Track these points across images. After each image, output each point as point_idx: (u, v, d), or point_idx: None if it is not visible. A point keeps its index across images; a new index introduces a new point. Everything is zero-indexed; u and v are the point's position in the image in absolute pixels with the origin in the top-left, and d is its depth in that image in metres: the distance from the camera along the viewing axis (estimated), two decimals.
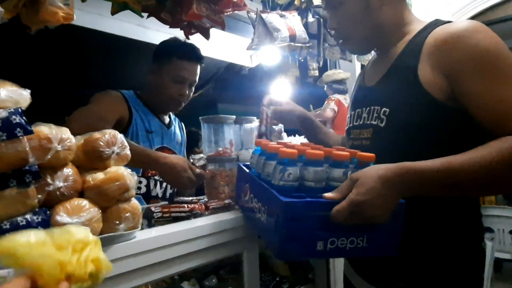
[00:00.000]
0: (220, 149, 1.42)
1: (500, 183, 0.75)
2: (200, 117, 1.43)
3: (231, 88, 3.93)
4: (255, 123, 1.53)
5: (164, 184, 1.52)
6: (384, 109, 0.89)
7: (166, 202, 1.42)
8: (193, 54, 1.46)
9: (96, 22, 2.22)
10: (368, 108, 0.95)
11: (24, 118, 0.61)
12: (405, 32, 0.93)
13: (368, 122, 0.94)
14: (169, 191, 1.56)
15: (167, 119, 1.59)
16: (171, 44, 1.47)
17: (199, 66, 1.49)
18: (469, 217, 0.90)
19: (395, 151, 0.86)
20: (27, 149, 0.60)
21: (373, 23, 0.93)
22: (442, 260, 0.87)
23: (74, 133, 0.78)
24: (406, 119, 0.85)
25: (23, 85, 0.69)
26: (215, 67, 3.61)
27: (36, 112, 0.75)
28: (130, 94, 1.48)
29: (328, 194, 0.75)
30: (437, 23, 0.88)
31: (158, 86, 1.46)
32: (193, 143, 3.01)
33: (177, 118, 1.71)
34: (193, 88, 1.52)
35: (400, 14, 0.95)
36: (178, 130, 1.67)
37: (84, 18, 2.09)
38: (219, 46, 2.77)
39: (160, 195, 1.52)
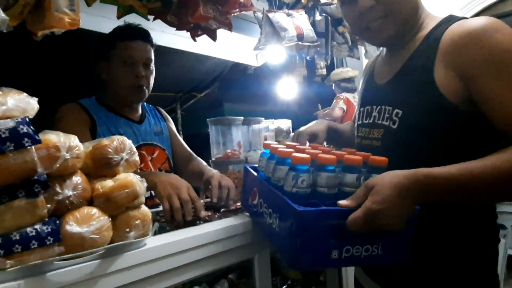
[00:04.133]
0: (229, 151, 1.41)
1: None
2: (207, 119, 1.42)
3: (236, 88, 3.93)
4: (263, 124, 1.52)
5: None
6: (396, 110, 0.87)
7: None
8: (134, 31, 1.36)
9: (100, 25, 2.22)
10: (379, 107, 0.93)
11: (31, 127, 0.60)
12: (419, 27, 0.90)
13: (380, 122, 0.92)
14: None
15: (137, 114, 1.48)
16: (111, 33, 1.39)
17: (148, 45, 1.38)
18: (485, 219, 0.87)
19: (406, 154, 0.84)
20: (35, 159, 0.59)
21: (413, 6, 0.87)
22: (457, 263, 0.85)
23: None
24: (419, 122, 0.82)
25: (27, 89, 0.68)
26: (220, 66, 3.61)
27: (42, 117, 0.74)
28: (91, 101, 1.41)
29: (342, 202, 0.73)
30: (451, 19, 0.85)
31: (112, 79, 1.37)
32: None
33: (151, 106, 1.61)
34: (152, 70, 1.40)
35: (421, 5, 0.90)
36: (153, 119, 1.55)
37: (88, 20, 2.09)
38: (224, 46, 2.76)
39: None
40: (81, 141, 0.75)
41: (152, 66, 1.41)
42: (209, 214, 1.05)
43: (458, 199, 0.77)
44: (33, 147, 0.60)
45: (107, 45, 1.37)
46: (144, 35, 1.37)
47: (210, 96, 4.02)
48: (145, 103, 1.55)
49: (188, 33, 1.38)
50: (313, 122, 1.16)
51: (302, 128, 1.13)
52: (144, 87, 1.39)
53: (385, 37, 0.91)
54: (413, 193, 0.71)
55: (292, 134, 1.59)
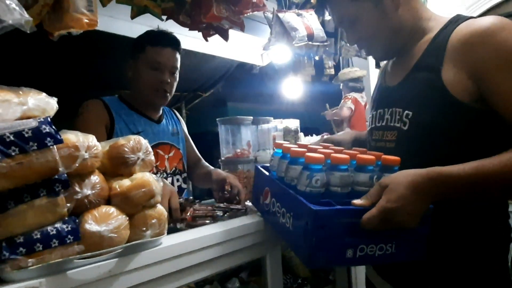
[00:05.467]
0: (238, 150, 1.41)
1: None
2: (217, 119, 1.42)
3: (241, 87, 3.93)
4: (272, 124, 1.52)
5: (170, 180, 1.48)
6: (406, 112, 0.88)
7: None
8: (166, 39, 1.39)
9: (108, 25, 2.22)
10: (390, 110, 0.94)
11: (53, 127, 0.61)
12: (425, 29, 0.91)
13: (392, 124, 0.93)
14: (176, 184, 1.50)
15: (157, 115, 1.52)
16: (143, 36, 1.42)
17: (177, 53, 1.42)
18: (497, 218, 0.88)
19: (419, 154, 0.85)
20: (57, 158, 0.60)
21: (393, 27, 0.92)
22: (469, 261, 0.85)
23: None
24: (430, 123, 0.83)
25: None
26: (225, 66, 3.61)
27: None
28: (113, 99, 1.45)
29: (357, 201, 0.74)
30: (459, 19, 0.85)
31: (138, 80, 1.40)
32: None
33: (167, 108, 1.64)
34: (176, 77, 1.44)
35: (416, 12, 0.92)
36: (170, 121, 1.59)
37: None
38: (230, 45, 2.75)
39: None
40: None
41: (177, 73, 1.44)
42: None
43: (472, 197, 0.78)
44: (55, 146, 0.60)
45: (138, 47, 1.40)
46: (175, 44, 1.40)
47: (215, 95, 4.03)
48: (164, 107, 1.59)
49: (194, 33, 1.39)
50: (342, 132, 1.21)
51: (329, 136, 1.18)
52: (168, 93, 1.42)
53: (377, 57, 1.06)
54: (427, 191, 0.72)
55: (301, 133, 1.60)
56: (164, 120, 1.55)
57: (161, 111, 1.55)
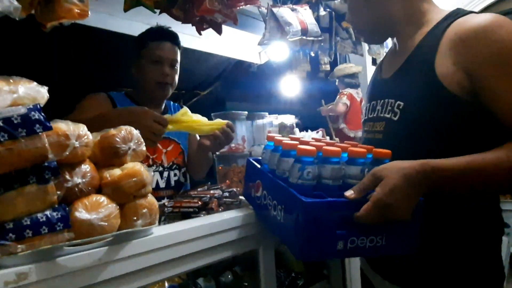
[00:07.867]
0: (233, 145, 1.42)
1: None
2: (212, 114, 1.43)
3: (239, 86, 3.93)
4: (267, 119, 1.53)
5: (166, 174, 1.51)
6: (398, 102, 0.88)
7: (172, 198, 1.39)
8: (164, 33, 1.46)
9: (106, 22, 2.23)
10: (382, 101, 0.94)
11: (43, 114, 0.61)
12: (423, 22, 0.91)
13: (382, 115, 0.93)
14: (173, 178, 1.53)
15: (159, 110, 1.55)
16: (145, 33, 1.49)
17: (176, 47, 1.48)
18: (490, 212, 0.88)
19: (407, 145, 0.85)
20: (46, 145, 0.60)
21: (377, 16, 0.93)
22: (462, 256, 0.85)
23: None
24: (420, 114, 0.83)
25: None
26: (223, 64, 3.61)
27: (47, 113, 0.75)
28: (118, 94, 1.48)
29: (348, 192, 0.74)
30: (458, 13, 0.85)
31: (140, 75, 1.46)
32: None
33: (177, 104, 1.68)
34: (177, 70, 1.50)
35: (413, 3, 0.92)
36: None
37: (94, 17, 2.10)
38: (227, 43, 2.76)
39: (162, 185, 1.49)
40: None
41: (177, 66, 1.50)
42: None
43: (466, 191, 0.78)
44: (44, 133, 0.61)
45: (140, 44, 1.46)
46: (173, 38, 1.46)
47: (213, 94, 4.03)
48: (171, 102, 1.64)
49: (192, 30, 1.40)
50: None
51: None
52: (169, 85, 1.47)
53: (365, 42, 1.12)
54: (420, 183, 0.72)
55: (296, 129, 1.60)
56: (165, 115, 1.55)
57: (163, 106, 1.57)
